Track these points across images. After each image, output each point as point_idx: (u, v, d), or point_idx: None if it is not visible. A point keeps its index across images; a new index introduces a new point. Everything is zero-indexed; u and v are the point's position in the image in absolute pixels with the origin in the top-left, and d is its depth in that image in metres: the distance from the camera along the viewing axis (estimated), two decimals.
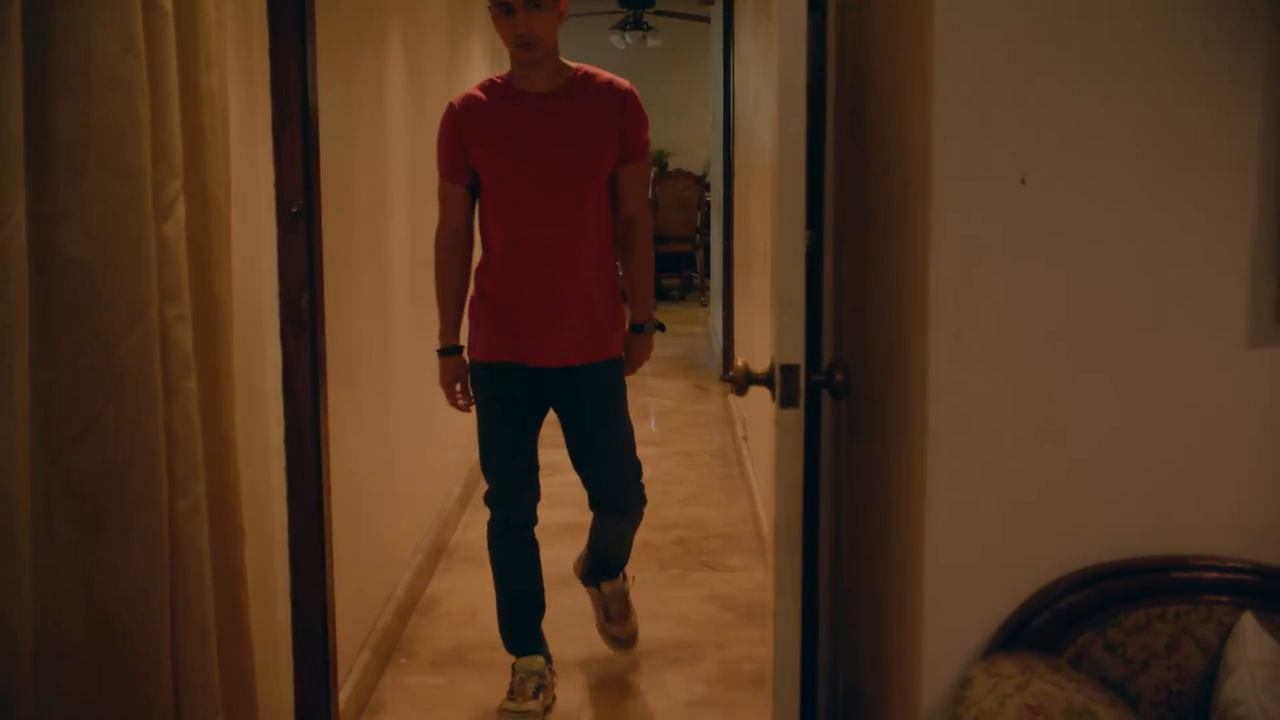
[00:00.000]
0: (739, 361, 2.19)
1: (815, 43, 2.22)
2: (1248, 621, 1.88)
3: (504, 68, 3.24)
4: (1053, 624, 1.93)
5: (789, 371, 2.03)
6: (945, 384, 1.93)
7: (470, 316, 3.28)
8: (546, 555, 3.47)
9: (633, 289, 3.34)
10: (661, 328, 3.37)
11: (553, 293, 3.13)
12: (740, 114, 6.41)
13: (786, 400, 2.04)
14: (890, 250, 2.18)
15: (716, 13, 8.06)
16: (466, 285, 3.31)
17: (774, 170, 2.08)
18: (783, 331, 2.04)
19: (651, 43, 11.18)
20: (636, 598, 3.78)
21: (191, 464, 2.00)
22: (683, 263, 11.49)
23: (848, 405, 2.57)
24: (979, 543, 1.97)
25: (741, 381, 2.16)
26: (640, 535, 3.62)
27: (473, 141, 3.13)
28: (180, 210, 1.98)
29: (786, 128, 2.01)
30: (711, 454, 6.10)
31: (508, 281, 3.16)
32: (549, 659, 3.41)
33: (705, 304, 10.54)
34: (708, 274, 10.16)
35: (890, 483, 2.20)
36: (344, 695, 3.13)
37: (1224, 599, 1.93)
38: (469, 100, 3.16)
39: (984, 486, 1.96)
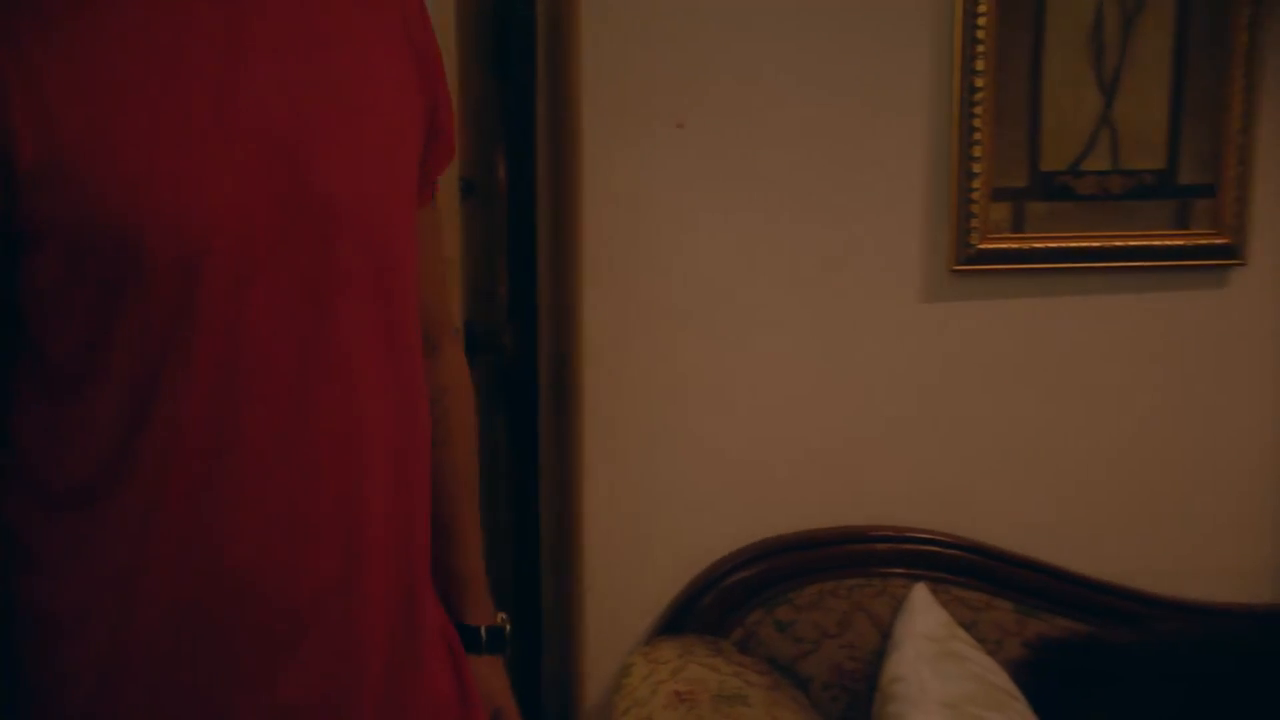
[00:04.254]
0: None
1: None
2: (919, 593, 1.93)
3: None
4: (721, 604, 1.94)
5: None
6: (603, 348, 1.92)
7: None
8: None
9: (451, 535, 1.38)
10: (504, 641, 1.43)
11: (334, 589, 1.12)
12: None
13: None
14: (559, 200, 2.15)
15: None
16: None
17: None
18: None
19: None
20: None
21: None
22: None
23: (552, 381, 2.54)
24: (645, 520, 1.97)
25: None
26: None
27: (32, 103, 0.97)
28: None
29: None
30: None
31: (160, 579, 1.06)
32: None
33: None
34: None
35: (563, 459, 2.18)
36: None
37: (899, 571, 1.97)
38: None
39: (649, 459, 1.95)
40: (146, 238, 0.98)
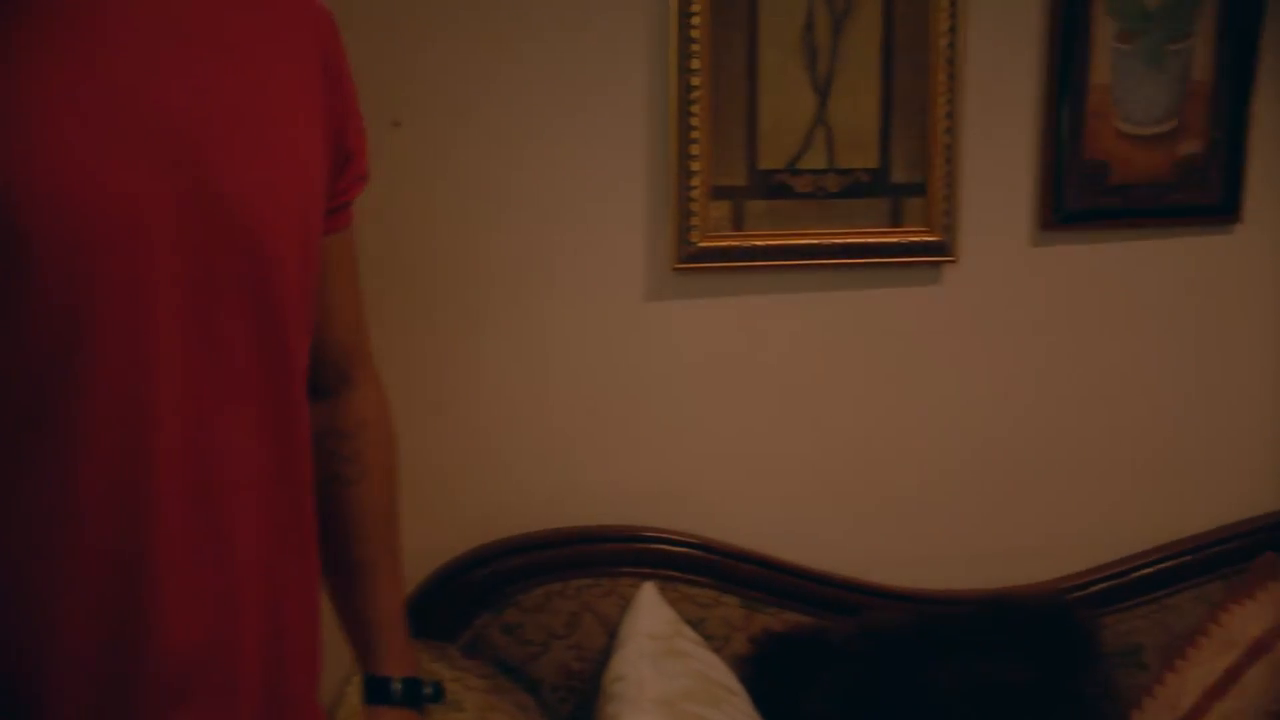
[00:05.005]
0: None
1: None
2: (647, 592, 1.95)
3: None
4: (449, 608, 1.94)
5: None
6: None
7: None
8: None
9: (362, 577, 1.39)
10: (440, 692, 1.43)
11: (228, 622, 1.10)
12: None
13: None
14: None
15: None
16: None
17: None
18: None
19: None
20: None
21: None
22: None
23: None
24: None
25: None
26: None
27: None
28: None
29: None
30: None
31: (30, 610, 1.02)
32: None
33: None
34: None
35: None
36: None
37: (628, 570, 1.99)
38: None
39: None
40: (21, 217, 0.94)
